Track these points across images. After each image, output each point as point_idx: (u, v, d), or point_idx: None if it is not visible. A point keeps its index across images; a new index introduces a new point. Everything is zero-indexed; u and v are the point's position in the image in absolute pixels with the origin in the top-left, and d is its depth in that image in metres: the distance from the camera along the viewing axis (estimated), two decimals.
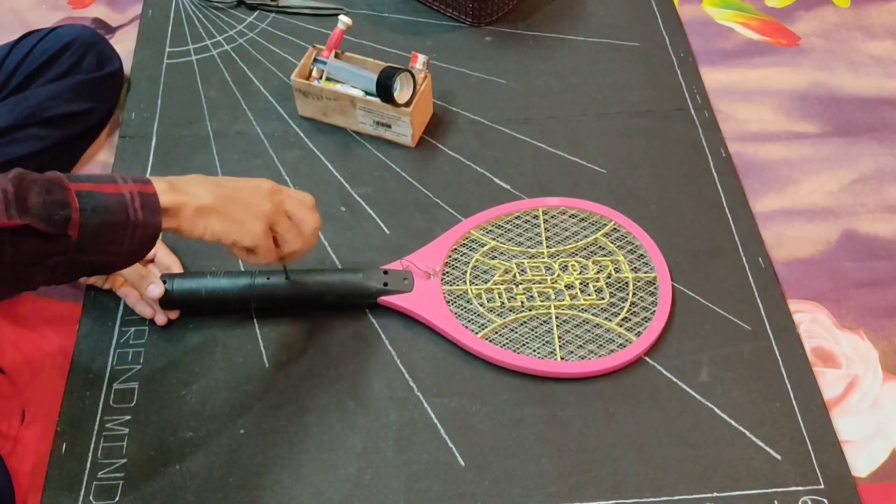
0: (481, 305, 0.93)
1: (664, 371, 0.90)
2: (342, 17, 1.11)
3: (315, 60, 1.11)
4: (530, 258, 0.97)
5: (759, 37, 1.28)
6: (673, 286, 0.95)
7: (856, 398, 0.90)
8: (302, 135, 1.13)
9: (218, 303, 0.91)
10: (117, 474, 0.82)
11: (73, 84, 1.06)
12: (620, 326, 0.91)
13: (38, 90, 1.04)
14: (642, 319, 0.92)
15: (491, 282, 0.95)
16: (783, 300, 0.96)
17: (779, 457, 0.84)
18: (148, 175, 1.07)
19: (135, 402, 0.88)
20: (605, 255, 0.98)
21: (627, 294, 0.94)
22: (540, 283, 0.95)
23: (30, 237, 0.63)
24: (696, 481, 0.82)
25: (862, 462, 0.85)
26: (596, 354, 0.89)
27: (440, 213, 1.04)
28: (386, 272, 0.93)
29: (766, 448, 0.84)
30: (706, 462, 0.83)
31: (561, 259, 0.97)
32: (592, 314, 0.93)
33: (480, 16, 1.27)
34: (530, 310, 0.93)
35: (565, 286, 0.95)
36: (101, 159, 1.12)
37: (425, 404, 0.87)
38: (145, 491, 0.81)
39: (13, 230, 0.62)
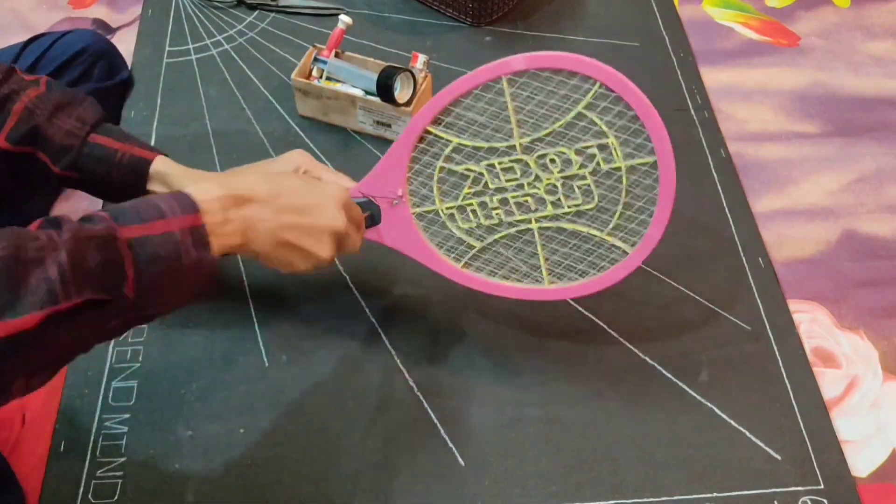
0: (456, 228, 0.82)
1: (664, 371, 0.90)
2: (342, 17, 1.11)
3: (315, 60, 1.11)
4: (501, 156, 0.80)
5: (759, 37, 1.28)
6: (675, 172, 0.76)
7: (856, 398, 0.90)
8: (302, 134, 1.13)
9: None
10: (116, 473, 0.82)
11: (83, 93, 1.07)
12: (613, 236, 0.79)
13: None
14: (638, 224, 0.78)
15: (461, 196, 0.82)
16: (783, 300, 0.96)
17: (779, 457, 0.84)
18: None
19: (134, 400, 0.87)
20: (591, 139, 0.77)
21: (620, 192, 0.78)
22: (516, 189, 0.80)
23: (87, 309, 0.57)
24: (696, 481, 0.82)
25: (862, 462, 0.85)
26: (586, 274, 0.81)
27: None
28: None
29: (766, 448, 0.84)
30: (706, 462, 0.83)
31: (538, 152, 0.79)
32: (579, 224, 0.80)
33: (480, 16, 1.27)
34: (510, 226, 0.81)
35: (545, 190, 0.79)
36: None
37: (425, 404, 0.87)
38: (144, 490, 0.81)
39: (72, 311, 0.56)
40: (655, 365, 0.90)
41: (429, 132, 0.81)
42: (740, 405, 0.87)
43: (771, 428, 0.86)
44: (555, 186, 0.79)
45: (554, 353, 0.91)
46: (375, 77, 1.05)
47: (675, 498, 0.81)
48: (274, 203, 0.69)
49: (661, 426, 0.86)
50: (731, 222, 1.03)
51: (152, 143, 1.12)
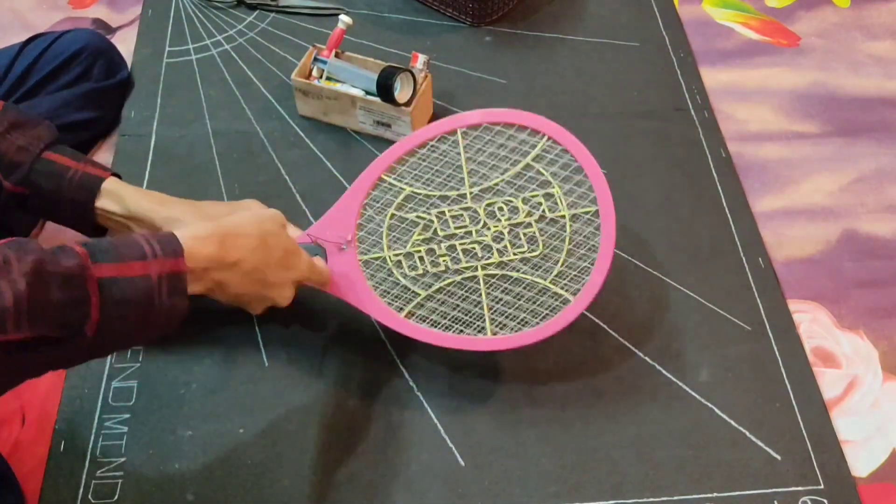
0: (403, 275, 0.83)
1: (664, 371, 0.90)
2: (342, 17, 1.11)
3: (315, 60, 1.11)
4: (452, 204, 0.84)
5: (759, 37, 1.28)
6: (616, 221, 0.82)
7: (856, 398, 0.90)
8: (302, 134, 1.13)
9: None
10: (116, 473, 0.82)
11: (82, 93, 1.07)
12: (556, 284, 0.81)
13: (48, 98, 1.04)
14: (580, 272, 0.82)
15: (410, 243, 0.84)
16: (783, 300, 0.96)
17: (779, 457, 0.84)
18: (146, 174, 1.08)
19: (134, 400, 0.87)
20: (537, 189, 0.83)
21: (564, 241, 0.82)
22: (464, 237, 0.83)
23: (41, 344, 0.55)
24: (696, 481, 0.82)
25: (862, 462, 0.85)
26: (529, 323, 0.81)
27: None
28: None
29: (766, 448, 0.84)
30: (706, 462, 0.83)
31: (487, 201, 0.84)
32: (523, 272, 0.82)
33: (480, 16, 1.27)
34: (456, 273, 0.83)
35: (492, 238, 0.82)
36: (101, 158, 1.11)
37: (425, 404, 0.87)
38: (144, 490, 0.81)
39: (20, 343, 0.54)
40: (655, 365, 0.90)
41: (382, 180, 0.86)
42: (740, 405, 0.87)
43: (771, 428, 0.86)
44: (501, 234, 0.83)
45: (554, 353, 0.91)
46: (375, 77, 1.05)
47: (675, 498, 0.81)
48: (252, 275, 0.72)
49: (661, 426, 0.86)
50: (731, 222, 1.03)
51: (153, 143, 1.12)
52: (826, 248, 1.02)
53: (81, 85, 1.08)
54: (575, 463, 0.83)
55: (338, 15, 1.12)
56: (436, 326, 0.84)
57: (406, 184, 0.86)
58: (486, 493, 0.81)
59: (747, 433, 0.85)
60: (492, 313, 0.83)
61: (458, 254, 0.84)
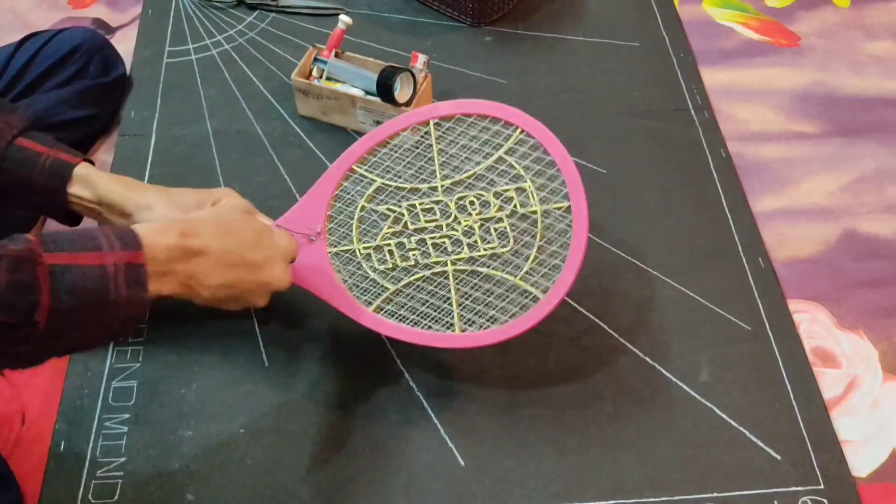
0: (372, 269, 0.82)
1: (664, 371, 0.90)
2: (342, 17, 1.11)
3: (315, 60, 1.11)
4: (423, 196, 0.83)
5: (759, 37, 1.28)
6: (589, 218, 0.80)
7: (856, 398, 0.90)
8: (302, 134, 1.13)
9: None
10: (116, 473, 0.82)
11: (79, 90, 1.07)
12: (526, 281, 0.80)
13: (45, 95, 1.04)
14: (551, 269, 0.80)
15: (380, 236, 0.83)
16: (783, 300, 0.96)
17: (779, 457, 0.84)
18: (146, 174, 1.08)
19: (134, 400, 0.87)
20: (509, 183, 0.82)
21: (535, 237, 0.80)
22: (434, 231, 0.82)
23: None
24: (696, 481, 0.82)
25: (862, 462, 0.85)
26: (499, 320, 0.79)
27: None
28: None
29: (766, 448, 0.84)
30: (706, 462, 0.83)
31: (458, 194, 0.83)
32: (493, 268, 0.81)
33: (480, 16, 1.27)
34: (425, 268, 0.82)
35: (463, 232, 0.81)
36: (100, 158, 1.11)
37: (425, 404, 0.87)
38: (145, 490, 0.81)
39: None
40: (655, 365, 0.90)
41: (354, 171, 0.84)
42: (740, 405, 0.87)
43: (771, 428, 0.86)
44: (472, 228, 0.81)
45: (554, 353, 0.91)
46: (375, 77, 1.05)
47: (675, 498, 0.81)
48: (225, 259, 0.67)
49: (661, 426, 0.86)
50: (731, 222, 1.03)
51: (153, 143, 1.12)
52: (826, 248, 1.02)
53: (78, 82, 1.08)
54: (575, 463, 0.83)
55: (338, 15, 1.12)
56: (404, 321, 0.82)
57: (377, 175, 0.85)
58: (486, 493, 0.81)
59: (747, 433, 0.85)
60: (460, 309, 0.81)
61: (427, 248, 0.82)
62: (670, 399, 0.88)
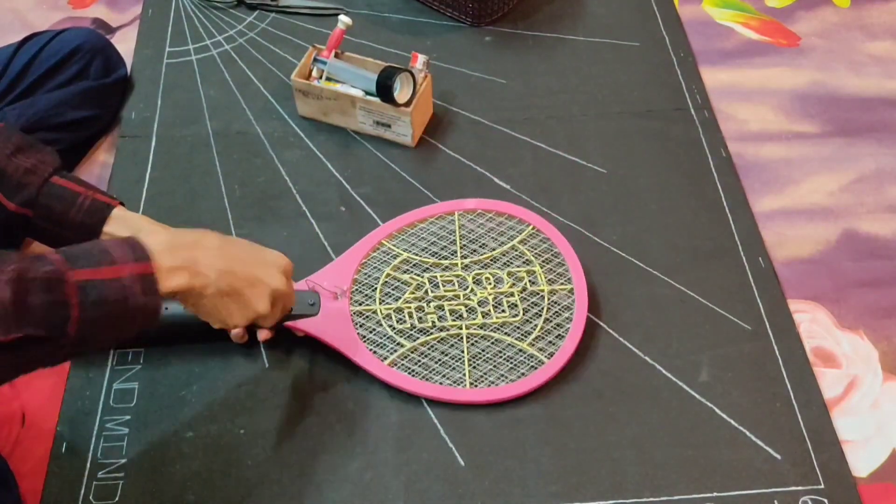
0: (391, 328, 0.90)
1: (664, 371, 0.90)
2: (342, 17, 1.11)
3: (315, 60, 1.11)
4: (443, 270, 0.94)
5: (759, 37, 1.28)
6: (589, 300, 0.91)
7: (856, 398, 0.90)
8: (302, 135, 1.13)
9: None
10: (117, 474, 0.82)
11: (80, 91, 1.07)
12: (532, 347, 0.89)
13: (46, 96, 1.04)
14: (555, 338, 0.90)
15: (402, 300, 0.92)
16: (783, 300, 0.96)
17: (779, 457, 0.84)
18: (147, 175, 1.08)
19: (135, 402, 0.88)
20: (521, 265, 0.95)
21: (542, 310, 0.91)
22: (452, 299, 0.92)
23: (28, 344, 0.59)
24: (696, 481, 0.82)
25: (862, 462, 0.85)
26: (506, 379, 0.87)
27: None
28: None
29: (766, 448, 0.84)
30: (706, 462, 0.83)
31: (475, 271, 0.94)
32: (504, 333, 0.90)
33: (480, 16, 1.27)
34: (441, 330, 0.90)
35: (478, 302, 0.92)
36: (100, 159, 1.12)
37: (425, 404, 0.87)
38: (145, 491, 0.81)
39: (10, 344, 0.58)
40: (655, 365, 0.90)
41: (382, 244, 0.96)
42: (740, 405, 0.87)
43: (771, 428, 0.86)
44: (486, 300, 0.92)
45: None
46: (375, 77, 1.05)
47: (675, 498, 0.81)
48: (223, 250, 0.73)
49: (661, 426, 0.86)
50: (731, 222, 1.03)
51: (153, 144, 1.12)
52: (826, 248, 1.02)
53: (79, 83, 1.08)
54: (575, 463, 0.83)
55: (338, 15, 1.12)
56: (416, 376, 0.87)
57: (403, 250, 0.96)
58: (486, 493, 0.81)
59: (747, 433, 0.85)
60: (471, 368, 0.88)
61: (444, 313, 0.91)
62: (670, 399, 0.88)
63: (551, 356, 0.88)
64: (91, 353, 0.67)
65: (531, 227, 0.97)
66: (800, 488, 0.82)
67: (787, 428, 0.86)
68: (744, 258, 0.99)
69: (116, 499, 0.81)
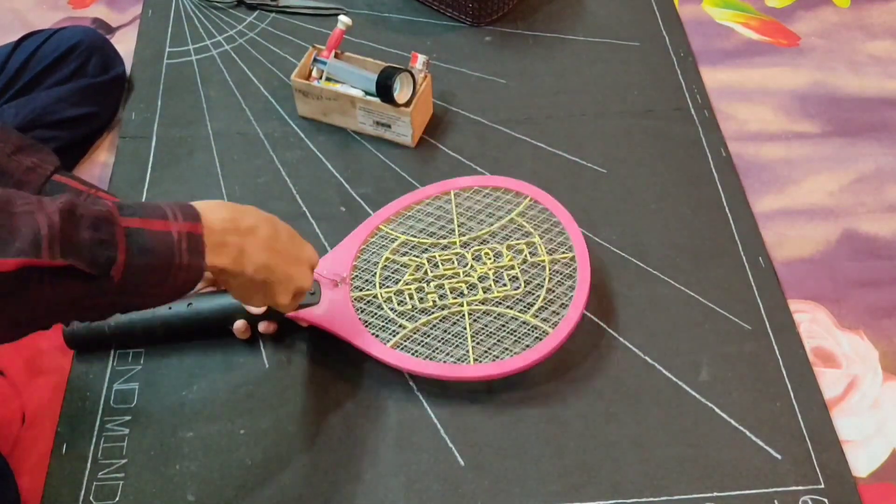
0: (392, 310, 0.89)
1: (664, 371, 0.90)
2: (342, 17, 1.11)
3: (315, 60, 1.11)
4: (442, 250, 0.93)
5: (759, 37, 1.28)
6: (592, 268, 0.90)
7: (856, 398, 0.90)
8: (302, 135, 1.13)
9: (122, 335, 0.90)
10: (117, 474, 0.82)
11: (78, 88, 1.07)
12: (536, 318, 0.87)
13: (43, 93, 1.04)
14: (559, 307, 0.88)
15: (402, 282, 0.91)
16: (783, 300, 0.96)
17: (779, 456, 0.84)
18: (147, 176, 1.08)
19: (135, 402, 0.88)
20: (520, 238, 0.93)
21: (544, 280, 0.90)
22: (452, 277, 0.91)
23: (71, 278, 0.58)
24: (696, 481, 0.82)
25: (862, 462, 0.85)
26: (511, 352, 0.86)
27: None
28: None
29: (766, 448, 0.84)
30: (706, 462, 0.83)
31: (474, 247, 0.93)
32: (506, 307, 0.89)
33: (480, 16, 1.27)
34: (442, 309, 0.89)
35: (478, 278, 0.90)
36: (101, 159, 1.12)
37: (425, 404, 0.87)
38: (145, 491, 0.81)
39: (54, 270, 0.57)
40: (655, 365, 0.90)
41: (380, 229, 0.95)
42: (740, 405, 0.87)
43: (771, 427, 0.86)
44: (486, 275, 0.91)
45: (554, 354, 0.91)
46: (375, 77, 1.05)
47: (675, 498, 0.81)
48: (271, 244, 0.72)
49: (661, 426, 0.86)
50: (731, 222, 1.03)
51: (153, 145, 1.12)
52: (826, 248, 1.02)
53: (77, 80, 1.08)
54: (575, 463, 0.83)
55: (338, 15, 1.12)
56: (420, 356, 0.87)
57: (401, 233, 0.95)
58: (486, 493, 0.81)
59: (747, 433, 0.85)
60: (474, 343, 0.87)
61: (445, 291, 0.90)
62: (670, 398, 0.88)
63: (555, 325, 0.87)
64: (130, 311, 0.66)
65: (528, 198, 0.96)
66: (800, 488, 0.82)
67: (787, 428, 0.86)
68: (744, 258, 0.99)
69: (116, 499, 0.81)
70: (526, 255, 0.91)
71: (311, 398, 0.88)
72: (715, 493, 0.81)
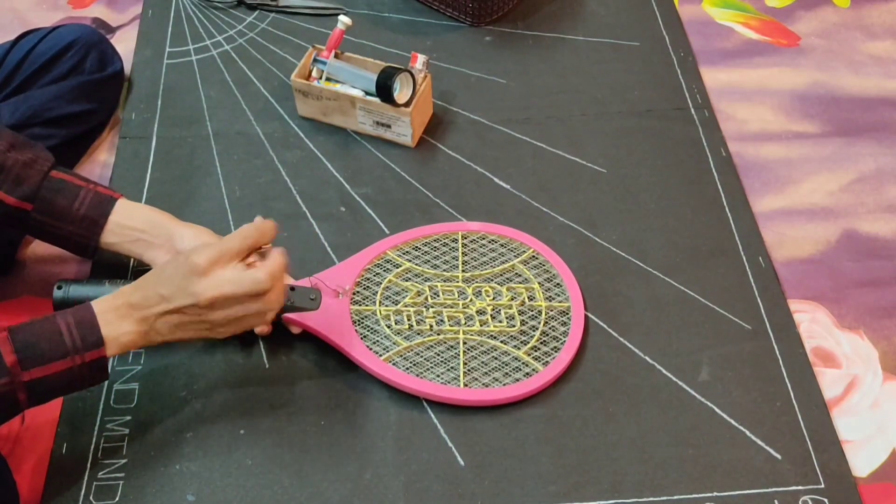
0: (388, 327, 0.91)
1: (664, 371, 0.90)
2: (342, 17, 1.11)
3: (315, 60, 1.11)
4: (444, 281, 0.95)
5: (759, 37, 1.28)
6: (586, 316, 0.93)
7: (856, 398, 0.90)
8: (302, 135, 1.13)
9: None
10: (117, 474, 0.82)
11: (75, 85, 1.07)
12: (528, 355, 0.89)
13: (40, 90, 1.04)
14: (552, 349, 0.90)
15: (401, 303, 0.93)
16: (783, 300, 0.96)
17: (779, 456, 0.84)
18: (147, 176, 1.08)
19: (135, 402, 0.88)
20: (520, 283, 0.95)
21: (539, 323, 0.92)
22: (451, 307, 0.93)
23: None
24: (696, 481, 0.82)
25: (862, 462, 0.85)
26: (500, 382, 0.87)
27: (440, 213, 1.04)
28: (293, 288, 0.85)
29: (766, 448, 0.84)
30: (706, 462, 0.83)
31: (476, 284, 0.95)
32: (501, 341, 0.90)
33: (480, 16, 1.27)
34: (438, 334, 0.91)
35: (477, 311, 0.92)
36: (101, 159, 1.12)
37: (425, 404, 0.87)
38: (145, 491, 0.81)
39: None
40: (655, 365, 0.90)
41: (387, 254, 0.97)
42: (740, 405, 0.87)
43: (771, 427, 0.86)
44: (485, 310, 0.93)
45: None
46: (375, 77, 1.05)
47: (675, 498, 0.81)
48: (180, 324, 0.76)
49: (661, 426, 0.86)
50: (731, 222, 1.03)
51: (153, 145, 1.12)
52: (826, 248, 1.02)
53: (75, 77, 1.07)
54: (575, 463, 0.83)
55: (338, 15, 1.12)
56: (411, 372, 0.88)
57: (407, 260, 0.97)
58: (486, 493, 0.81)
59: (747, 433, 0.85)
60: (466, 369, 0.88)
61: (443, 318, 0.92)
62: (670, 398, 0.88)
63: (546, 364, 0.88)
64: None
65: (532, 250, 0.98)
66: (800, 488, 0.82)
67: (787, 428, 0.86)
68: (744, 258, 0.99)
69: (116, 499, 0.81)
70: (524, 298, 0.94)
71: (311, 398, 0.88)
72: (715, 493, 0.81)
